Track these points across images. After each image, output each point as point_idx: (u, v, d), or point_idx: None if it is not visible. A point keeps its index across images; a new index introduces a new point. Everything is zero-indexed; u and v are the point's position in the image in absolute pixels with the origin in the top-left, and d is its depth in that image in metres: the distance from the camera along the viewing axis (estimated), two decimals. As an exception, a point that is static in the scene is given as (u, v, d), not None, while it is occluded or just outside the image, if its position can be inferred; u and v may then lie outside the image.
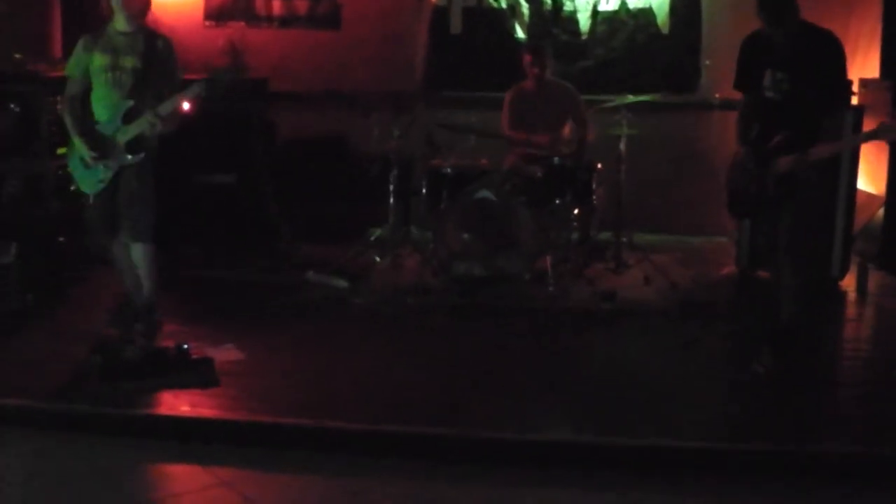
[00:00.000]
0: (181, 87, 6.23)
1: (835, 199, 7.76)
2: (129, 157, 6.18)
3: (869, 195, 8.51)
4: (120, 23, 6.25)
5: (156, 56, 6.24)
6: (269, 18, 10.07)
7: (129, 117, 6.15)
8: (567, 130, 8.28)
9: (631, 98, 8.19)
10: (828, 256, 7.81)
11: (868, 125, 7.83)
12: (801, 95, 5.69)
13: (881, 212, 8.47)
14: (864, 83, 8.63)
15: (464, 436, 5.03)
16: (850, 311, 7.64)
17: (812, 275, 6.31)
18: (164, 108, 6.11)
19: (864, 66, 8.89)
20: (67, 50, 6.59)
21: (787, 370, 5.80)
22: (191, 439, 5.11)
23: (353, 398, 5.47)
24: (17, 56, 8.32)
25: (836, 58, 5.75)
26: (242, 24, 10.05)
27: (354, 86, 9.24)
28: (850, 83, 5.91)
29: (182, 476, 4.91)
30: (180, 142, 7.73)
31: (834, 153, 6.01)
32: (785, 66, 5.72)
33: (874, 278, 8.09)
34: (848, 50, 5.99)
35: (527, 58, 8.46)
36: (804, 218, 5.83)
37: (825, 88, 5.71)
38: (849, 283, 8.01)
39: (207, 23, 10.10)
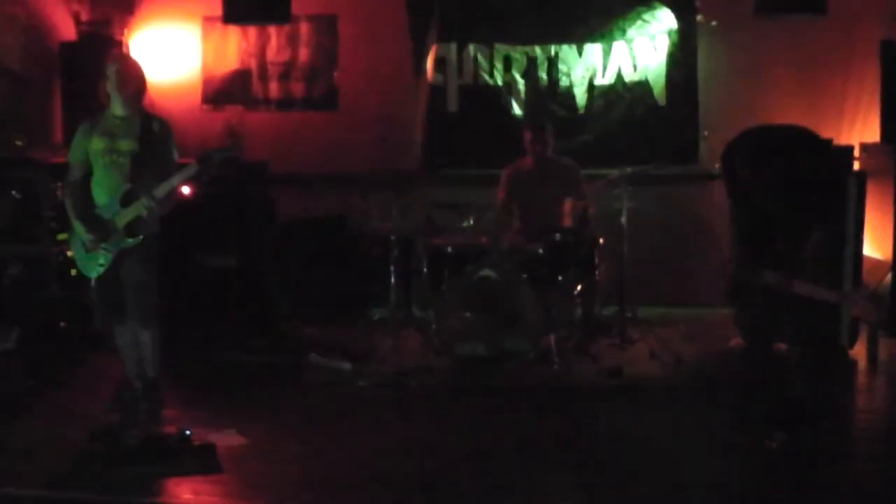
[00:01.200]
0: (178, 170, 6.24)
1: (840, 265, 7.70)
2: (129, 240, 6.17)
3: (876, 261, 8.46)
4: (116, 107, 6.30)
5: (152, 138, 6.28)
6: (267, 101, 10.11)
7: (126, 200, 6.15)
8: (567, 206, 8.26)
9: (630, 169, 8.18)
10: (836, 325, 7.73)
11: (872, 190, 7.82)
12: (798, 202, 5.74)
13: (889, 277, 8.42)
14: (865, 148, 8.62)
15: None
16: (861, 380, 7.56)
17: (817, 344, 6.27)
18: (160, 191, 6.11)
19: (863, 130, 8.91)
20: (68, 136, 6.65)
21: (801, 444, 5.72)
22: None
23: (356, 484, 5.37)
24: (18, 143, 8.35)
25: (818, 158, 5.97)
26: (240, 107, 10.07)
27: (353, 166, 9.25)
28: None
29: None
30: (182, 224, 7.78)
31: None
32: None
33: (884, 345, 8.00)
34: (847, 114, 6.02)
35: (528, 136, 8.48)
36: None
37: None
38: (859, 351, 7.91)
39: (205, 106, 10.13)
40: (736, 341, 8.17)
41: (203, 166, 6.21)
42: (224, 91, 10.14)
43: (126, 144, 6.23)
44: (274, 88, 10.12)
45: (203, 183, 7.94)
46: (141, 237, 6.19)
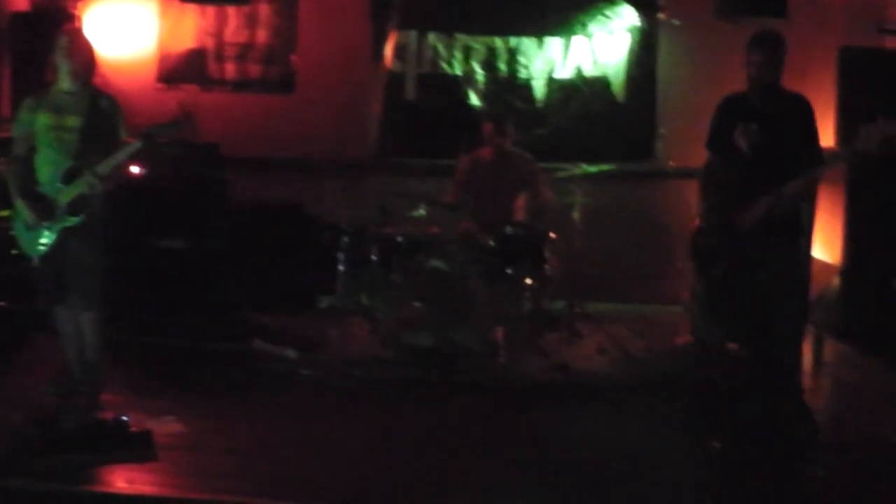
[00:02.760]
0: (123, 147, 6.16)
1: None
2: (72, 218, 6.07)
3: (824, 264, 8.50)
4: (65, 82, 6.18)
5: (100, 115, 6.16)
6: (223, 82, 10.00)
7: (69, 177, 6.04)
8: (521, 200, 8.23)
9: (585, 168, 8.16)
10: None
11: (823, 195, 7.85)
12: (776, 154, 5.74)
13: (837, 280, 8.46)
14: (820, 152, 8.64)
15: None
16: (806, 382, 7.57)
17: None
18: (104, 168, 6.01)
19: (819, 134, 8.89)
20: (16, 109, 6.50)
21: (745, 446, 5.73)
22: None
23: (296, 475, 5.32)
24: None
25: (811, 119, 5.97)
26: (195, 87, 9.96)
27: (308, 152, 9.17)
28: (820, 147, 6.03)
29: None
30: (132, 205, 7.70)
31: (807, 186, 6.02)
32: (762, 123, 5.81)
33: (830, 349, 8.04)
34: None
35: (488, 127, 8.43)
36: (791, 276, 5.86)
37: (804, 149, 5.83)
38: (804, 353, 7.91)
39: (160, 85, 10.00)
40: (684, 339, 8.19)
41: (147, 143, 6.11)
42: (180, 70, 10.03)
43: (73, 121, 6.11)
44: (230, 69, 10.02)
45: (154, 164, 7.90)
46: (83, 216, 6.08)
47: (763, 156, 5.83)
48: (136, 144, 6.11)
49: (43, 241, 6.13)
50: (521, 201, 8.30)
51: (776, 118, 5.86)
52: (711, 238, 6.04)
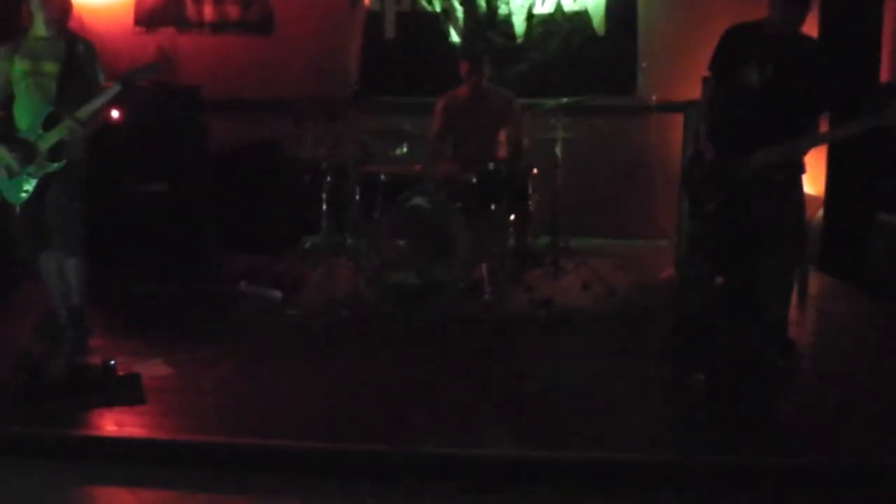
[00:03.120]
0: (102, 92, 6.13)
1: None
2: (53, 164, 6.06)
3: (808, 196, 8.50)
4: (40, 28, 6.16)
5: (77, 59, 6.16)
6: (201, 24, 9.93)
7: (49, 124, 6.04)
8: (502, 136, 8.21)
9: (566, 100, 8.14)
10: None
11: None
12: (782, 94, 5.72)
13: (821, 213, 8.49)
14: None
15: (407, 453, 4.89)
16: (791, 314, 7.60)
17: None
18: (83, 112, 6.01)
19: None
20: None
21: (726, 379, 5.77)
22: (117, 460, 4.94)
23: (287, 414, 5.32)
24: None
25: (824, 65, 5.83)
26: (173, 29, 9.88)
27: (287, 92, 9.10)
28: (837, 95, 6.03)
29: (106, 500, 4.78)
30: (111, 150, 7.64)
31: (824, 142, 6.02)
32: (776, 61, 5.75)
33: (814, 280, 8.08)
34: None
35: (465, 66, 8.39)
36: (790, 213, 5.86)
37: (817, 91, 5.78)
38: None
39: (137, 28, 9.94)
40: (668, 273, 8.22)
41: (126, 86, 6.08)
42: (157, 13, 9.97)
43: (50, 66, 6.11)
44: (208, 11, 9.95)
45: (133, 107, 7.84)
46: (65, 161, 6.08)
47: (773, 94, 5.79)
48: (114, 88, 6.09)
49: (25, 188, 6.13)
50: (502, 137, 8.28)
51: (790, 59, 5.76)
52: (710, 169, 6.01)
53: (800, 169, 5.94)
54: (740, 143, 5.83)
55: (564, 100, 8.17)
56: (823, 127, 6.42)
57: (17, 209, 6.21)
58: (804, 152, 5.84)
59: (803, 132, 5.85)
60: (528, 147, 8.22)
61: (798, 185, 5.96)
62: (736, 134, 5.88)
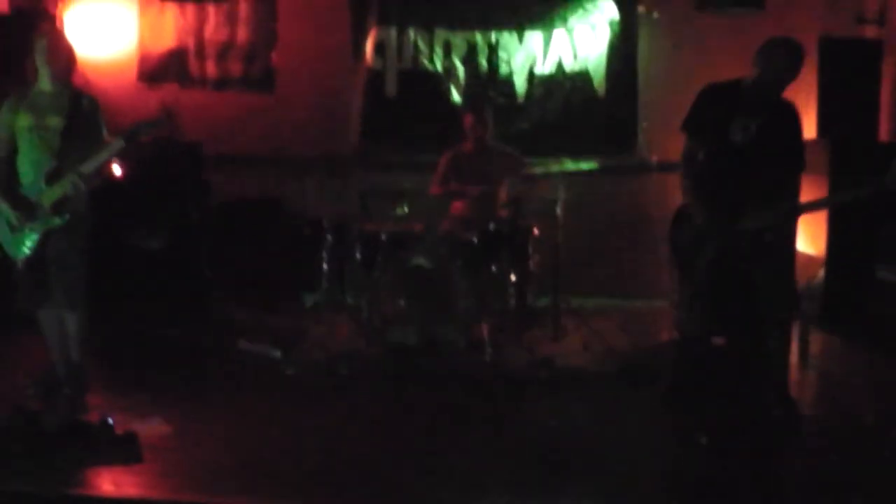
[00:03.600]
0: (106, 146, 6.14)
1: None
2: (56, 219, 6.06)
3: (809, 256, 8.51)
4: (45, 82, 6.20)
5: (81, 114, 6.17)
6: (203, 81, 9.97)
7: (51, 178, 6.04)
8: (503, 194, 8.23)
9: (568, 165, 8.16)
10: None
11: (806, 186, 7.84)
12: (761, 148, 5.79)
13: (821, 273, 8.48)
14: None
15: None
16: (793, 373, 7.58)
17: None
18: (87, 167, 6.02)
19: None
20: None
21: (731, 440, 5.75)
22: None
23: (285, 474, 5.29)
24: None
25: (798, 122, 6.04)
26: (176, 86, 9.93)
27: (290, 149, 9.14)
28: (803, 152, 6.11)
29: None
30: (114, 203, 7.67)
31: (824, 207, 6.08)
32: (756, 119, 5.82)
33: (816, 339, 8.05)
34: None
35: (468, 119, 8.43)
36: (780, 271, 5.87)
37: (789, 148, 5.94)
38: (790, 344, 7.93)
39: (141, 84, 9.98)
40: (669, 333, 8.19)
41: (129, 141, 6.10)
42: (160, 69, 10.00)
43: (54, 121, 6.13)
44: (211, 67, 9.99)
45: (136, 162, 7.87)
46: (68, 216, 6.08)
47: (757, 152, 5.84)
48: (118, 143, 6.10)
49: (27, 242, 6.13)
50: (503, 196, 8.30)
51: (772, 118, 5.89)
52: (696, 229, 6.04)
53: (791, 229, 5.97)
54: (726, 201, 5.86)
55: (566, 162, 8.20)
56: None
57: (19, 263, 6.19)
58: (797, 217, 5.88)
59: (787, 188, 5.91)
60: (528, 206, 8.21)
61: (787, 239, 5.99)
62: (721, 193, 5.91)
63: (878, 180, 5.49)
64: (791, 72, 5.86)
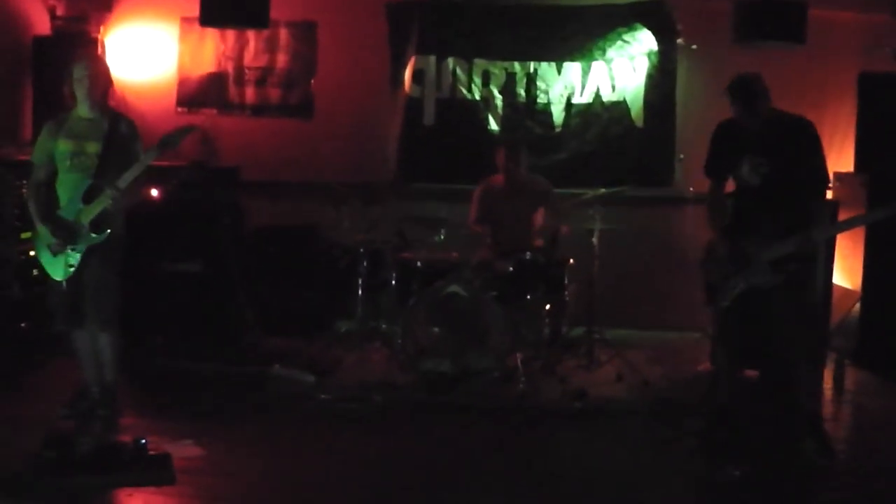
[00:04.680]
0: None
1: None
2: (96, 235, 6.11)
3: (845, 290, 8.46)
4: (83, 109, 6.28)
5: (120, 139, 6.25)
6: (242, 106, 10.02)
7: (89, 196, 6.09)
8: (538, 224, 8.22)
9: (604, 190, 8.14)
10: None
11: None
12: (781, 179, 5.75)
13: (857, 307, 8.42)
14: (839, 177, 8.64)
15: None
16: (827, 409, 7.52)
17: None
18: (124, 181, 6.08)
19: (838, 160, 8.90)
20: (37, 133, 6.56)
21: (765, 474, 5.69)
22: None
23: (317, 500, 5.29)
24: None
25: (813, 142, 5.95)
26: (214, 111, 9.99)
27: (326, 176, 9.16)
28: (826, 169, 6.06)
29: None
30: (149, 228, 7.72)
31: (843, 230, 6.04)
32: (762, 151, 5.84)
33: (851, 375, 8.00)
34: (822, 142, 6.06)
35: (501, 154, 8.44)
36: (806, 303, 5.86)
37: (807, 173, 5.86)
38: (825, 379, 7.89)
39: (180, 109, 10.03)
40: (705, 366, 8.14)
41: (163, 150, 6.17)
42: (199, 94, 10.05)
43: (93, 146, 6.21)
44: (250, 94, 10.04)
45: (172, 186, 7.92)
46: (108, 232, 6.14)
47: (768, 183, 5.83)
48: (152, 153, 6.18)
49: (70, 263, 6.17)
50: (538, 226, 8.29)
51: (775, 144, 5.88)
52: (722, 265, 6.02)
53: (814, 257, 5.94)
54: (752, 235, 5.84)
55: (602, 190, 8.17)
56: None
57: (62, 284, 6.21)
58: (820, 241, 5.84)
59: (814, 214, 5.89)
60: (565, 235, 8.19)
61: (809, 273, 5.96)
62: (747, 227, 5.90)
63: None
64: (744, 112, 5.91)
